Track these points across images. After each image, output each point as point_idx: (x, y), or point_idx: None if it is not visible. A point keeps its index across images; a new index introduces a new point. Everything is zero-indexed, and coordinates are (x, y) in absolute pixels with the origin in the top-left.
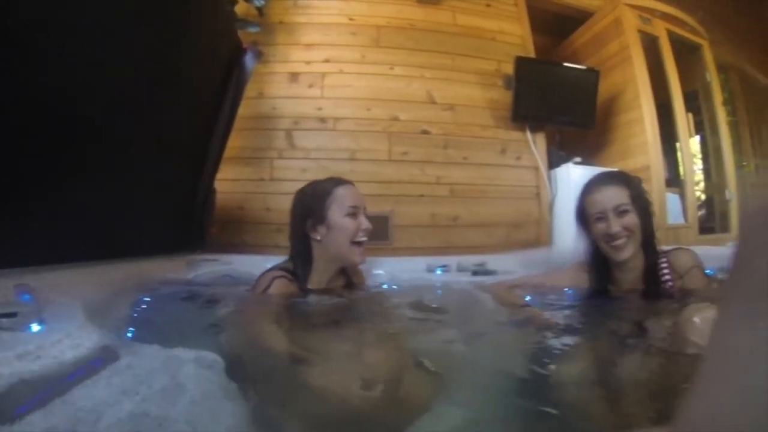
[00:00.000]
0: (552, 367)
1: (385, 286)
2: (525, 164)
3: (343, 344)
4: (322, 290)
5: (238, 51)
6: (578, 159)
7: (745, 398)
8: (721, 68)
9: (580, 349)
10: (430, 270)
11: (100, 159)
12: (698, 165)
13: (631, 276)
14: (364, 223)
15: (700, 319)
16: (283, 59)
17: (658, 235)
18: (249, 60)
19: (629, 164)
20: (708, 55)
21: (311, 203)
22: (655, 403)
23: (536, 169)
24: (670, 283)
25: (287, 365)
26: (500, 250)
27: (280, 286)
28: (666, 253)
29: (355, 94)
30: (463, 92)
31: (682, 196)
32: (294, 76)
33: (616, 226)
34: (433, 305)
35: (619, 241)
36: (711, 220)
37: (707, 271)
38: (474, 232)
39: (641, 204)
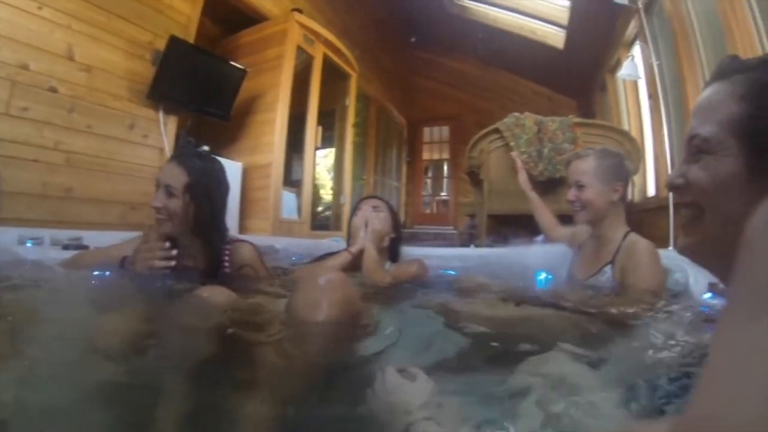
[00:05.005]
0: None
1: None
2: (151, 144)
3: None
4: None
5: None
6: (206, 147)
7: (749, 398)
8: (364, 98)
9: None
10: (21, 242)
11: None
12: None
13: (191, 254)
14: None
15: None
16: None
17: (272, 226)
18: None
19: (255, 160)
20: (353, 85)
21: None
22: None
23: (161, 150)
24: (227, 267)
25: None
26: (115, 230)
27: None
28: (233, 242)
29: None
30: (107, 56)
31: (299, 196)
32: None
33: (157, 201)
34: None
35: (159, 216)
36: (329, 219)
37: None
38: (88, 208)
39: (196, 192)
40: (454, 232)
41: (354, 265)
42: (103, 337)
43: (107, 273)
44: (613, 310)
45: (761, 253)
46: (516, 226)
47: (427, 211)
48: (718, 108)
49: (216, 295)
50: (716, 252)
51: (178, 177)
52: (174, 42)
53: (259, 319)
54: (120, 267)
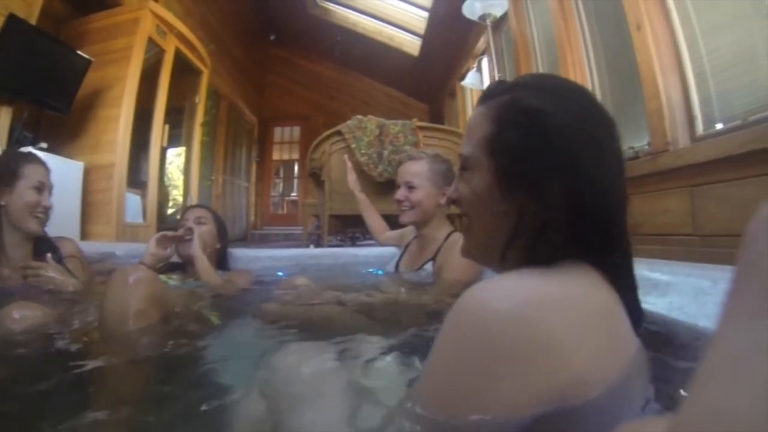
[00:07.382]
0: None
1: None
2: None
3: None
4: None
5: None
6: (44, 144)
7: (749, 397)
8: (214, 94)
9: None
10: None
11: None
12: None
13: (21, 252)
14: None
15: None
16: None
17: (116, 230)
18: None
19: (97, 159)
20: (204, 82)
21: None
22: None
23: None
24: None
25: None
26: None
27: None
28: (55, 239)
29: None
30: None
31: (144, 198)
32: None
33: (48, 201)
34: None
35: (42, 216)
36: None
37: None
38: None
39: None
40: None
41: (190, 273)
42: None
43: None
44: (423, 300)
45: (760, 253)
46: (360, 226)
47: (278, 212)
48: (476, 129)
49: (27, 317)
50: (484, 254)
51: (49, 176)
52: (13, 21)
53: (74, 326)
54: None
